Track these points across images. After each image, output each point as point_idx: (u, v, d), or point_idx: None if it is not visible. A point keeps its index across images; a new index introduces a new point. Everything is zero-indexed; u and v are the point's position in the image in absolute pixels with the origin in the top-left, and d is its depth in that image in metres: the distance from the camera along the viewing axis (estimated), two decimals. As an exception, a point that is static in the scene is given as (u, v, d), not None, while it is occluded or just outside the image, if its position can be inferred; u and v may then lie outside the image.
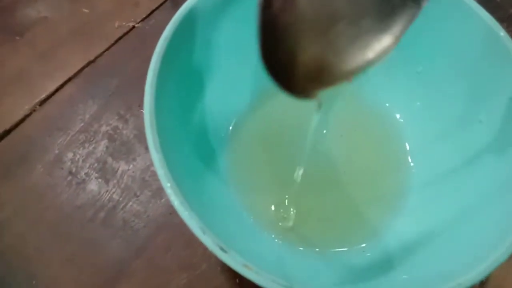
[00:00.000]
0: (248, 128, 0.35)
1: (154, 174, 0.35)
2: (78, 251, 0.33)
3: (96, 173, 0.35)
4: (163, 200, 0.34)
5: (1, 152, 0.36)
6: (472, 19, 0.29)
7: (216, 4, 0.29)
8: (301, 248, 0.30)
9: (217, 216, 0.26)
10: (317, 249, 0.30)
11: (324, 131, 0.35)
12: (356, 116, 0.36)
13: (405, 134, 0.34)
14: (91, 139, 0.36)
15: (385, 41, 0.21)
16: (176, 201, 0.21)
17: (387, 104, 0.35)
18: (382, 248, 0.30)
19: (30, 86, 0.39)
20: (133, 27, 0.41)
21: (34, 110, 0.38)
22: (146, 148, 0.35)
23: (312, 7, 0.21)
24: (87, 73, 0.40)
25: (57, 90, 0.39)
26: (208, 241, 0.20)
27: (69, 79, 0.39)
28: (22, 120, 0.37)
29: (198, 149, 0.30)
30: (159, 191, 0.34)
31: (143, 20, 0.42)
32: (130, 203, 0.34)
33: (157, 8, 0.42)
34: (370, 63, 0.21)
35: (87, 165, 0.35)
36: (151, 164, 0.35)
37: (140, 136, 0.37)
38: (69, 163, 0.35)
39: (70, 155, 0.36)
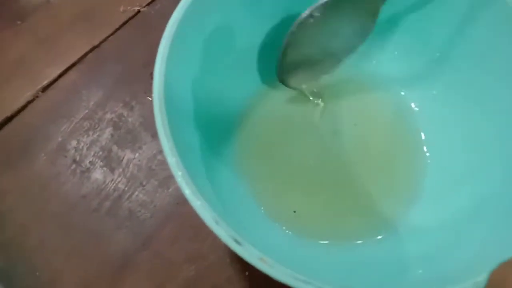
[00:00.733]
0: (260, 116, 0.33)
1: (160, 163, 0.34)
2: (83, 242, 0.32)
3: (101, 161, 0.34)
4: (170, 190, 0.33)
5: (3, 140, 0.35)
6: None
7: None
8: (314, 241, 0.29)
9: (228, 207, 0.25)
10: (330, 242, 0.29)
11: (337, 120, 0.34)
12: (370, 105, 0.34)
13: (420, 123, 0.33)
14: (96, 127, 0.36)
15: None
16: (187, 190, 0.20)
17: (402, 93, 0.34)
18: (397, 240, 0.29)
19: (33, 72, 0.38)
20: (138, 11, 0.40)
21: (37, 97, 0.37)
22: (152, 136, 0.34)
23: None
24: (91, 59, 0.39)
25: (60, 76, 0.38)
26: (221, 232, 0.19)
27: (73, 65, 0.38)
28: (24, 107, 0.36)
29: (208, 137, 0.29)
30: (166, 181, 0.33)
31: (148, 4, 0.41)
32: (136, 193, 0.33)
33: (163, -8, 0.41)
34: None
35: (92, 153, 0.35)
36: (158, 153, 0.34)
37: (146, 124, 0.36)
38: (73, 151, 0.35)
39: (74, 143, 0.35)
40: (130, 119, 0.36)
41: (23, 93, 0.37)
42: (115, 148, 0.35)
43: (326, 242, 0.29)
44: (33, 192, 0.33)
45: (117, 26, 0.40)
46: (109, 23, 0.40)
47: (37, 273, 0.31)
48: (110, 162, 0.34)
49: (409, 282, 0.24)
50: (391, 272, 0.26)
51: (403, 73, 0.34)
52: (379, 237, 0.29)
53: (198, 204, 0.20)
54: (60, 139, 0.35)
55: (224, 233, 0.19)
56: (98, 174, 0.34)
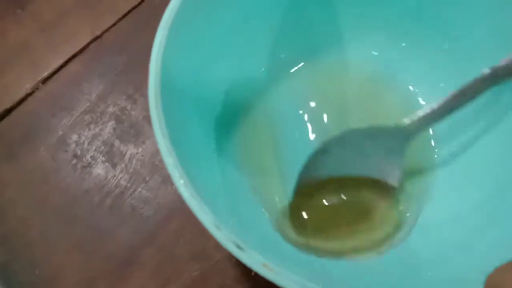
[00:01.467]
0: (262, 110, 0.33)
1: (164, 159, 0.33)
2: (85, 238, 0.32)
3: (103, 156, 0.34)
4: (174, 186, 0.32)
5: (2, 132, 0.35)
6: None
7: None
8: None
9: (231, 205, 0.24)
10: (334, 246, 0.28)
11: (343, 115, 0.33)
12: (376, 98, 0.33)
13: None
14: (97, 120, 0.35)
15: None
16: (186, 193, 0.19)
17: (410, 87, 0.33)
18: (405, 243, 0.28)
19: (33, 63, 0.37)
20: (142, 1, 0.40)
21: (37, 89, 0.36)
22: (156, 130, 0.33)
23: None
24: (93, 50, 0.38)
25: (61, 67, 0.37)
26: (222, 237, 0.18)
27: (74, 56, 0.38)
28: (24, 99, 0.36)
29: (209, 132, 0.28)
30: (170, 177, 0.32)
31: (153, -8, 0.40)
32: (139, 189, 0.33)
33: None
34: None
35: (93, 148, 0.34)
36: (162, 148, 0.34)
37: (150, 118, 0.34)
38: (73, 146, 0.34)
39: (75, 137, 0.35)
40: (133, 113, 0.35)
41: (23, 85, 0.36)
42: (117, 142, 0.34)
43: (332, 247, 0.28)
44: (33, 184, 0.33)
45: (120, 16, 0.39)
46: (112, 12, 0.39)
47: (37, 271, 0.31)
48: (112, 157, 0.34)
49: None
50: (398, 275, 0.25)
51: (411, 65, 0.33)
52: (386, 240, 0.28)
53: (197, 207, 0.19)
54: (60, 132, 0.35)
55: (224, 238, 0.18)
56: (99, 170, 0.33)
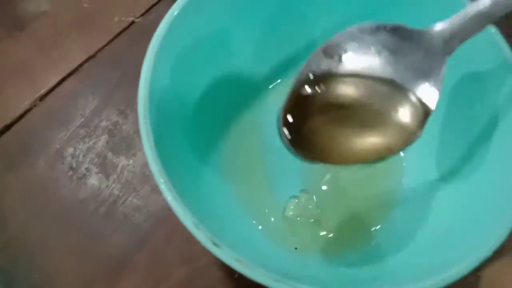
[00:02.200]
0: (249, 121, 0.35)
1: (154, 169, 0.35)
2: (81, 243, 0.33)
3: (97, 168, 0.35)
4: (163, 195, 0.34)
5: (3, 146, 0.36)
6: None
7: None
8: (296, 248, 0.30)
9: (211, 211, 0.26)
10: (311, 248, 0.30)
11: None
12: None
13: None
14: (92, 134, 0.37)
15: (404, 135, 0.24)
16: (169, 197, 0.21)
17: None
18: (374, 246, 0.30)
19: (31, 81, 0.39)
20: (133, 22, 0.41)
21: (35, 105, 0.38)
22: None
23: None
24: (87, 68, 0.39)
25: (57, 85, 0.38)
26: (201, 235, 0.21)
27: (70, 74, 0.39)
28: (23, 115, 0.37)
29: (195, 143, 0.30)
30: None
31: (142, 15, 0.41)
32: (130, 198, 0.34)
33: (156, 2, 0.42)
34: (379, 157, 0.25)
35: (88, 160, 0.36)
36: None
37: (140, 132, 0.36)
38: (70, 158, 0.36)
39: (70, 150, 0.36)
40: (124, 127, 0.37)
41: (22, 101, 0.37)
42: (110, 155, 0.36)
43: (310, 248, 0.30)
44: (32, 195, 0.34)
45: (112, 36, 0.40)
46: (105, 33, 0.41)
47: (36, 275, 0.32)
48: (105, 168, 0.35)
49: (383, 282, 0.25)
50: (366, 274, 0.27)
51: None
52: (359, 242, 0.30)
53: (179, 209, 0.21)
54: (57, 146, 0.36)
55: (203, 236, 0.21)
56: (94, 180, 0.35)
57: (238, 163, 0.33)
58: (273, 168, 0.33)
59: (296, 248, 0.30)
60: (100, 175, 0.35)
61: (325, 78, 0.25)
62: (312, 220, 0.32)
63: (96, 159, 0.36)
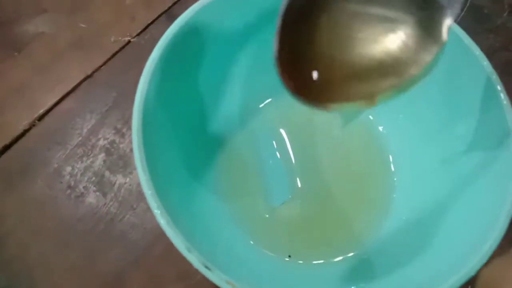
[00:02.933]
0: (241, 139, 0.35)
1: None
2: (79, 260, 0.34)
3: (94, 186, 0.36)
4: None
5: (3, 166, 0.37)
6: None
7: (207, 21, 0.30)
8: (287, 259, 0.31)
9: (206, 230, 0.27)
10: (303, 262, 0.31)
11: (310, 144, 0.36)
12: (342, 130, 0.36)
13: (387, 145, 0.35)
14: (89, 153, 0.37)
15: (412, 68, 0.22)
16: (162, 221, 0.22)
17: (371, 117, 0.36)
18: (366, 255, 0.31)
19: (29, 102, 0.39)
20: (129, 41, 0.42)
21: (34, 125, 0.38)
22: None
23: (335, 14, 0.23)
24: (84, 88, 0.40)
25: (55, 105, 0.39)
26: (193, 259, 0.21)
27: (68, 94, 0.40)
28: (22, 135, 0.38)
29: (189, 162, 0.31)
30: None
31: (138, 34, 0.42)
32: (127, 216, 0.35)
33: (152, 22, 0.43)
34: (391, 88, 0.22)
35: (85, 178, 0.36)
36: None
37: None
38: (68, 177, 0.36)
39: (68, 169, 0.37)
40: (121, 146, 0.38)
41: (21, 122, 0.38)
42: (107, 173, 0.37)
43: (301, 262, 0.30)
44: (31, 213, 0.35)
45: (108, 56, 0.41)
46: (101, 53, 0.41)
47: None
48: (103, 187, 0.36)
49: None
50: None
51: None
52: (351, 254, 0.31)
53: (172, 233, 0.22)
54: (56, 165, 0.37)
55: (195, 260, 0.21)
56: (91, 199, 0.36)
57: (231, 180, 0.34)
58: (266, 183, 0.34)
59: (289, 256, 0.31)
60: (97, 193, 0.36)
61: None
62: (304, 228, 0.33)
63: (93, 178, 0.36)
